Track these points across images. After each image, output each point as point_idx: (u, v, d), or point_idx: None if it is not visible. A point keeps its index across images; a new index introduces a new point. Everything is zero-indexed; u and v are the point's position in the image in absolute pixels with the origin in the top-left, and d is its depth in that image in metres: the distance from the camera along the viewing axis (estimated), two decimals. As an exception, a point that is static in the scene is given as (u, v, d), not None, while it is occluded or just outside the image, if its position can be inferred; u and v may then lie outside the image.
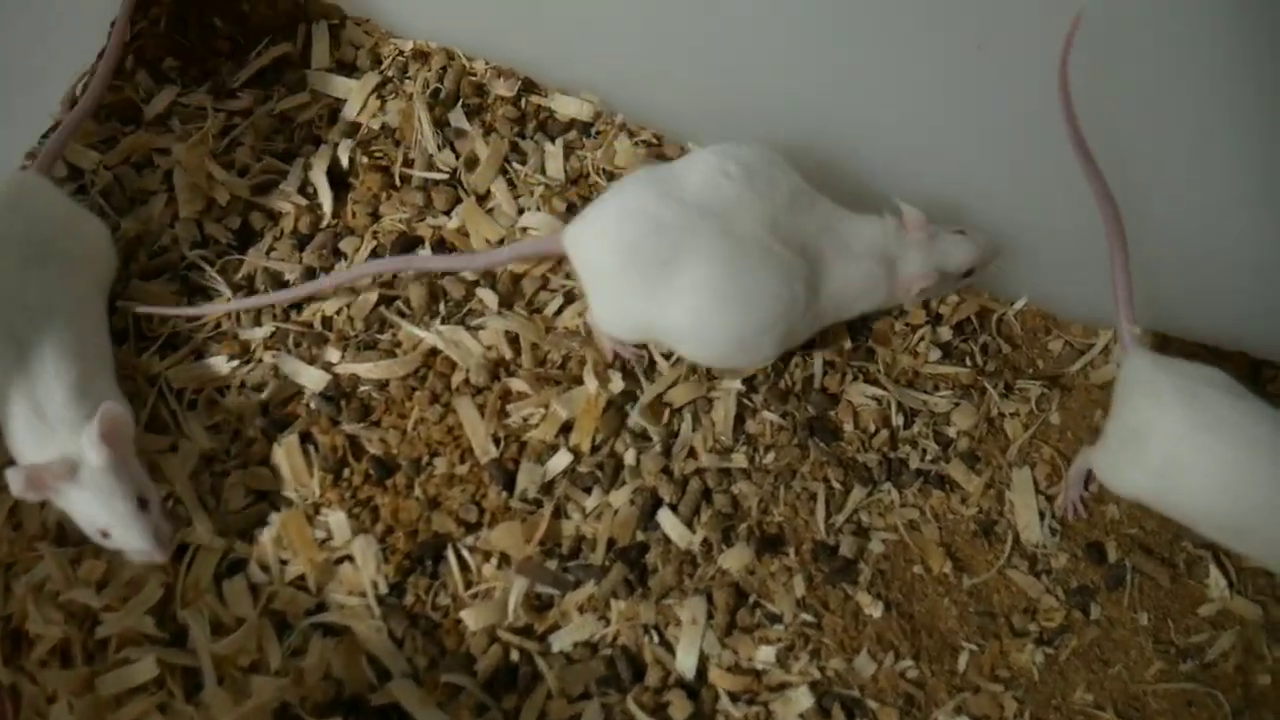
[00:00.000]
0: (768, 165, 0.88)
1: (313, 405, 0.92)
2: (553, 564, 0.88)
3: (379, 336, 0.96)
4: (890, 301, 0.93)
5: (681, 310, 0.85)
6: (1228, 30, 0.80)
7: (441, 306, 0.97)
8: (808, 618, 0.87)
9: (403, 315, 0.96)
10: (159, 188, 1.02)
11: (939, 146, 0.98)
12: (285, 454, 0.90)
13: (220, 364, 0.93)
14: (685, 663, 0.85)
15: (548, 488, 0.90)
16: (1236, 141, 0.87)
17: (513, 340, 0.95)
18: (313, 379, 0.93)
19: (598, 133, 1.06)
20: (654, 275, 0.85)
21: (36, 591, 0.84)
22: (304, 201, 1.02)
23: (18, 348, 0.81)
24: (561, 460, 0.91)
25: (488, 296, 0.97)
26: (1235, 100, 0.85)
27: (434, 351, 0.95)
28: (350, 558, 0.87)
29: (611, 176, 1.04)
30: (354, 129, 1.06)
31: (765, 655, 0.86)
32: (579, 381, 0.94)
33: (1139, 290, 0.90)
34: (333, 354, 0.94)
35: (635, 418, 0.93)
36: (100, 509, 0.78)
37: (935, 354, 1.00)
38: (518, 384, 0.93)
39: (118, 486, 0.78)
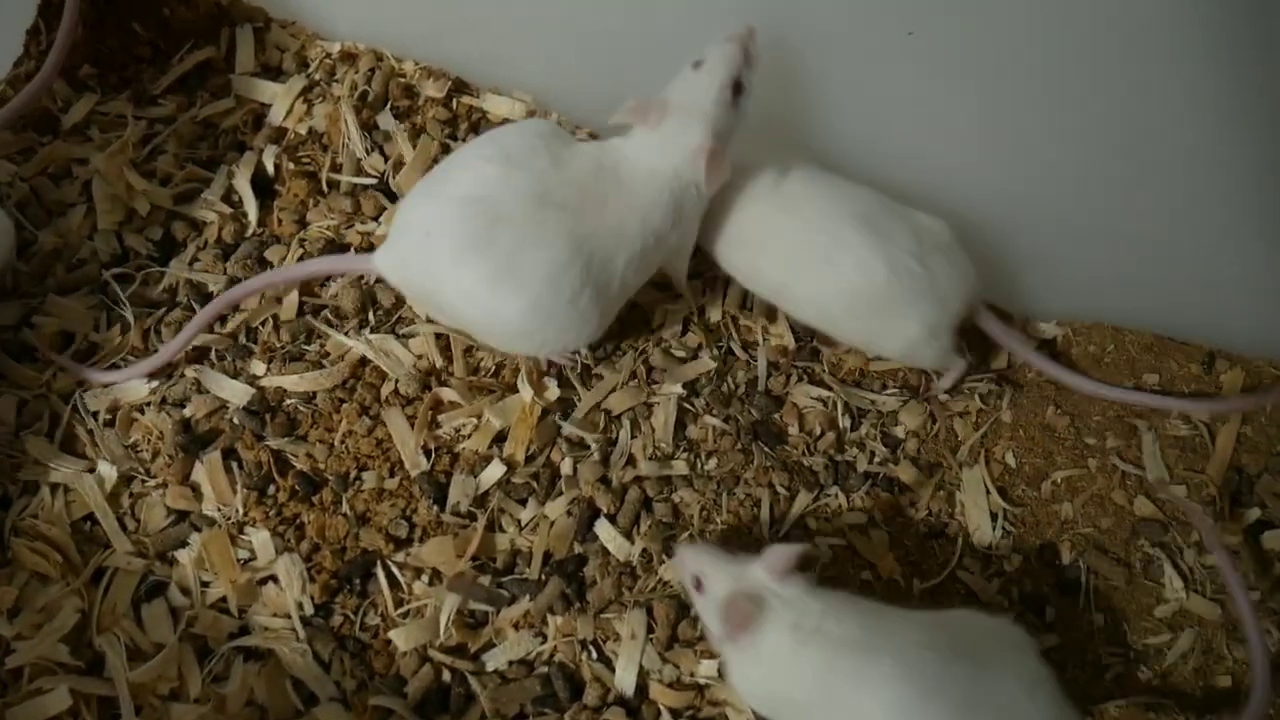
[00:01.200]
0: (525, 136, 0.86)
1: (236, 420, 0.90)
2: (486, 579, 0.86)
3: (306, 348, 0.94)
4: (695, 201, 0.87)
5: (473, 307, 0.85)
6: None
7: (371, 315, 0.95)
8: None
9: (330, 325, 0.94)
10: (78, 199, 1.00)
11: (893, 130, 0.97)
12: (208, 471, 0.88)
13: (139, 380, 0.91)
14: (625, 679, 0.83)
15: (481, 500, 0.88)
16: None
17: (444, 348, 0.93)
18: (236, 393, 0.91)
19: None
20: (438, 274, 0.84)
21: (-49, 625, 0.82)
22: (228, 210, 1.00)
23: None
24: (495, 471, 0.89)
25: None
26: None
27: (363, 361, 0.93)
28: (274, 578, 0.85)
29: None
30: (280, 134, 1.04)
31: (708, 669, 0.84)
32: (513, 390, 0.92)
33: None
34: (258, 366, 0.93)
35: (571, 426, 0.91)
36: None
37: (880, 349, 0.98)
38: (449, 393, 0.91)
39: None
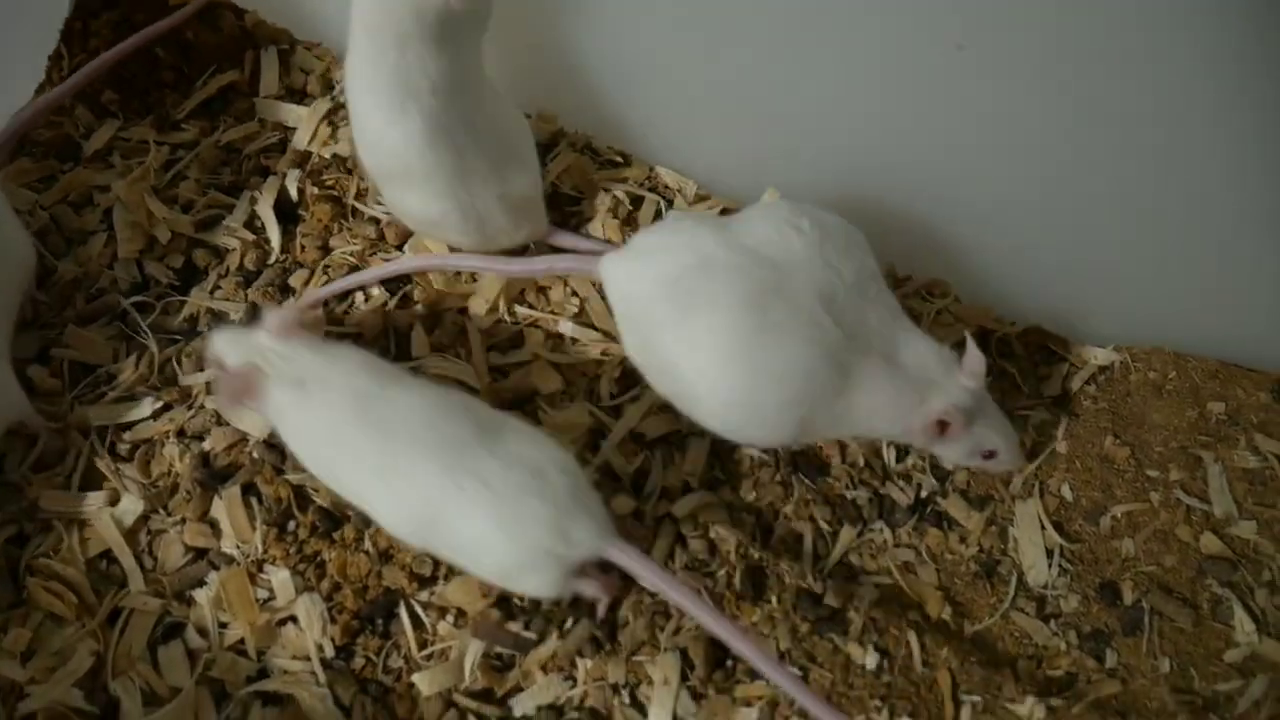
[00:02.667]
0: (845, 235, 0.82)
1: (256, 454, 0.88)
2: (516, 625, 0.83)
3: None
4: (905, 436, 0.83)
5: (696, 355, 0.79)
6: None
7: (392, 344, 0.93)
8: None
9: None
10: (98, 227, 1.00)
11: (929, 164, 0.95)
12: (226, 507, 0.86)
13: (158, 412, 0.90)
14: (658, 725, 0.80)
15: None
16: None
17: (468, 374, 0.91)
18: (256, 425, 0.89)
19: (555, 155, 1.02)
20: (681, 314, 0.79)
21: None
22: (251, 236, 0.99)
23: None
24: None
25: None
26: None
27: (387, 392, 0.91)
28: (294, 618, 0.83)
29: (572, 198, 1.01)
30: (304, 158, 1.03)
31: (746, 717, 0.81)
32: (539, 421, 0.90)
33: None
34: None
35: (603, 455, 0.89)
36: None
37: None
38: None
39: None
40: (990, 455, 0.83)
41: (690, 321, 0.78)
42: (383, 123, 0.84)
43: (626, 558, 0.75)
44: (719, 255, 0.79)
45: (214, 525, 0.86)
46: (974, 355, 0.80)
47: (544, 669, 0.82)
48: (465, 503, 0.73)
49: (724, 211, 1.01)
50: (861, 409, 0.80)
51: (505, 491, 0.72)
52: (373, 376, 0.78)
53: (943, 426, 0.80)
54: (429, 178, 0.87)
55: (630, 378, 0.91)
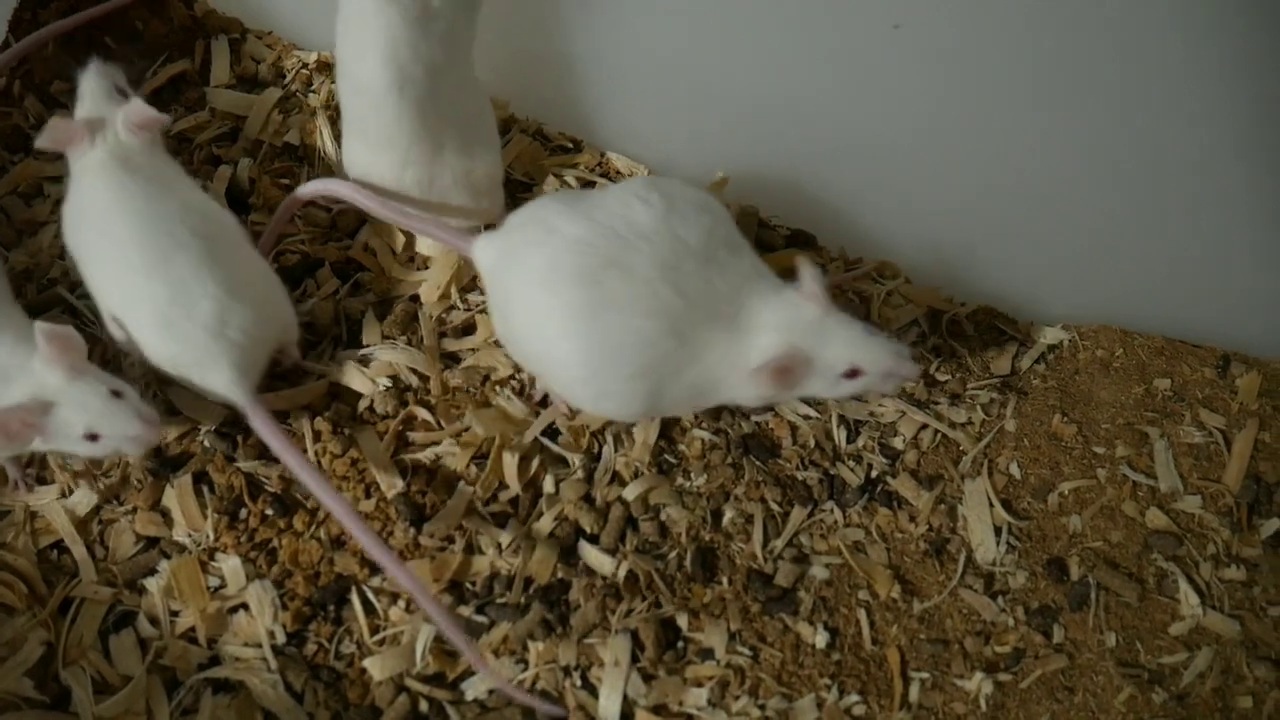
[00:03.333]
0: (694, 205, 0.80)
1: (208, 443, 0.89)
2: (469, 609, 0.83)
3: (277, 364, 0.92)
4: (769, 396, 0.81)
5: (541, 332, 0.79)
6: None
7: (344, 330, 0.93)
8: (744, 652, 0.83)
9: (309, 344, 0.93)
10: (49, 218, 0.99)
11: (879, 146, 0.95)
12: (178, 496, 0.87)
13: (108, 402, 0.90)
14: (609, 708, 0.81)
15: (459, 521, 0.86)
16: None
17: (419, 364, 0.92)
18: (208, 414, 0.89)
19: (507, 141, 1.03)
20: (526, 292, 0.79)
21: None
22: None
23: None
24: (479, 491, 0.87)
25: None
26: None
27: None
28: (245, 606, 0.83)
29: (523, 184, 1.01)
30: (256, 147, 1.03)
31: (696, 697, 0.81)
32: (490, 405, 0.90)
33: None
34: (230, 387, 0.91)
35: (553, 443, 0.89)
36: (76, 413, 0.76)
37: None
38: (424, 411, 0.90)
39: (87, 387, 0.77)
40: (854, 374, 0.77)
41: (534, 299, 0.78)
42: (381, 88, 0.85)
43: (258, 420, 0.80)
44: (564, 231, 0.78)
45: (165, 514, 0.86)
46: (807, 275, 0.77)
47: (495, 653, 0.83)
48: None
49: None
50: (711, 377, 0.79)
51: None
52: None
53: (784, 372, 0.76)
54: (407, 145, 0.87)
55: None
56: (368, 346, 0.93)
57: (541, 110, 1.04)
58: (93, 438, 0.77)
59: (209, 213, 0.85)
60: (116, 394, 0.77)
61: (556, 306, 0.77)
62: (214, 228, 0.83)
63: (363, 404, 0.90)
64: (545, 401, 0.91)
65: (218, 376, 0.81)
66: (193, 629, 0.83)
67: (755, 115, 0.98)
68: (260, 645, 0.82)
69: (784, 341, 0.76)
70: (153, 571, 0.84)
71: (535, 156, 1.03)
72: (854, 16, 0.87)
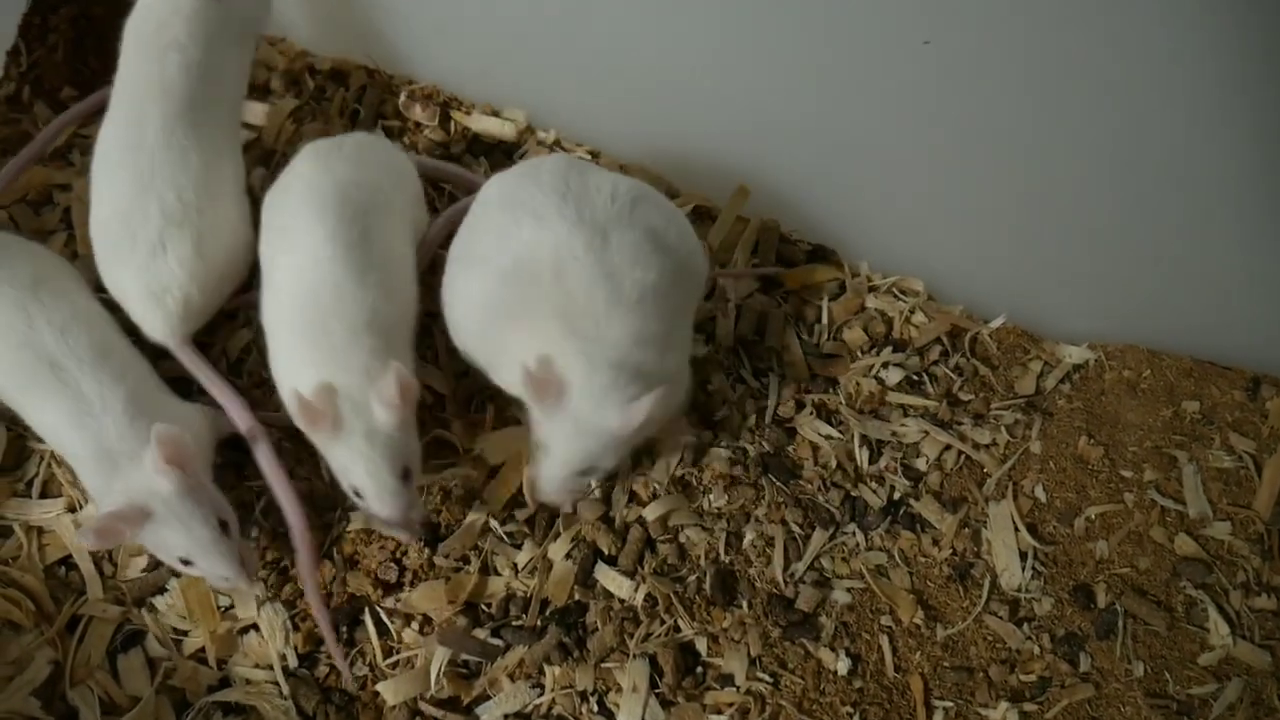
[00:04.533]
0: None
1: (219, 458, 0.87)
2: (483, 632, 0.82)
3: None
4: None
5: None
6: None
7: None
8: (764, 678, 0.82)
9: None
10: (57, 226, 0.98)
11: (902, 162, 0.94)
12: (188, 513, 0.85)
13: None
14: (626, 733, 0.80)
15: (475, 542, 0.85)
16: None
17: (437, 380, 0.90)
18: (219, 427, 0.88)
19: (524, 152, 1.02)
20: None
21: None
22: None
23: (58, 378, 0.77)
24: (493, 509, 0.86)
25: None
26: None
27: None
28: (256, 627, 0.82)
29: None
30: (269, 156, 1.02)
31: (716, 723, 0.80)
32: (510, 424, 0.89)
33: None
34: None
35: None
36: (179, 536, 0.73)
37: (897, 376, 0.94)
38: (439, 428, 0.88)
39: (195, 511, 0.74)
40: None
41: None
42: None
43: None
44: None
45: (175, 531, 0.85)
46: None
47: (511, 676, 0.81)
48: None
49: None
50: None
51: None
52: None
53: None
54: None
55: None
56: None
57: (560, 121, 1.03)
58: (184, 561, 0.75)
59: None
60: (224, 524, 0.75)
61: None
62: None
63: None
64: None
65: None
66: (202, 650, 0.82)
67: (777, 129, 0.97)
68: (271, 667, 0.81)
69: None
70: (162, 590, 0.83)
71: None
72: (884, 31, 0.85)
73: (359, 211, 0.81)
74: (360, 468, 0.75)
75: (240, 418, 0.82)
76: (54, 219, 0.99)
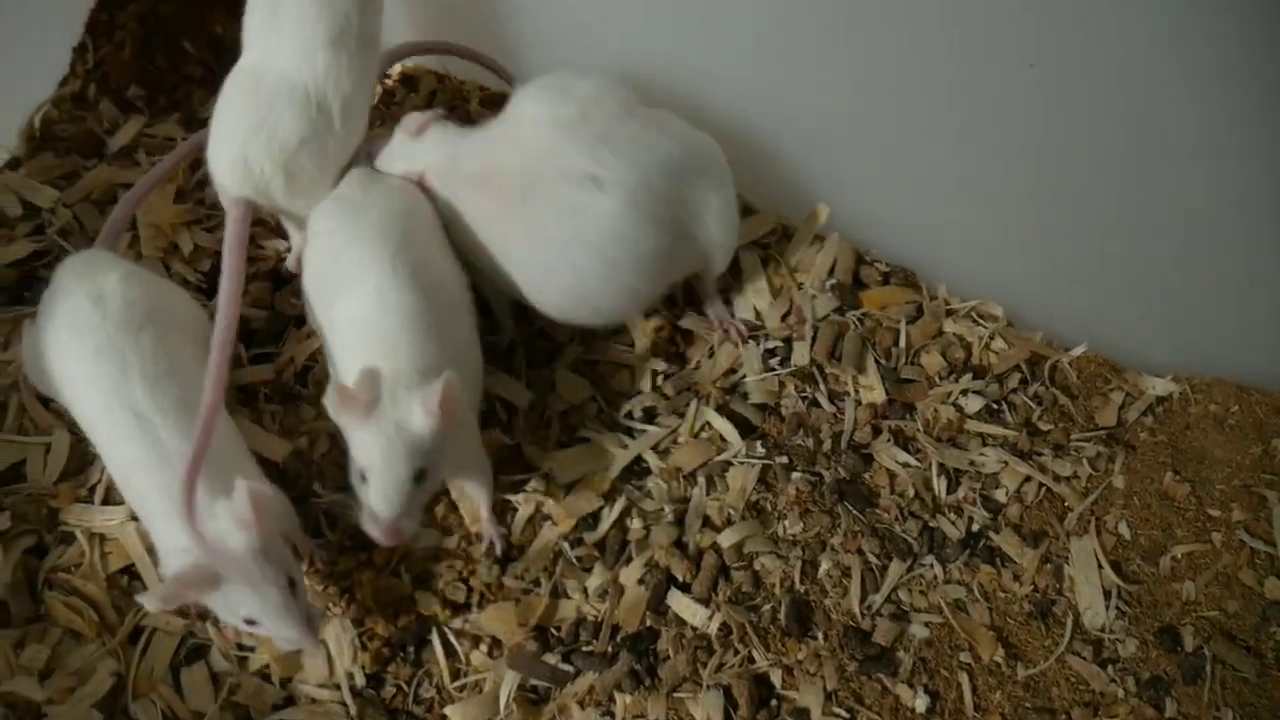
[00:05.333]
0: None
1: (283, 467, 0.86)
2: (553, 657, 0.81)
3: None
4: None
5: None
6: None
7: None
8: (840, 714, 0.80)
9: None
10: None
11: (983, 185, 0.92)
12: (253, 525, 0.84)
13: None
14: (700, 767, 0.78)
15: (546, 563, 0.84)
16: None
17: (509, 395, 0.89)
18: (279, 442, 0.87)
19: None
20: None
21: (-22, 678, 0.78)
22: (284, 244, 0.97)
23: (140, 426, 0.74)
24: (563, 530, 0.84)
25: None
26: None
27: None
28: (322, 644, 0.81)
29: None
30: (336, 161, 1.00)
31: (791, 759, 0.78)
32: (581, 442, 0.88)
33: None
34: (307, 412, 0.89)
35: (644, 484, 0.86)
36: (248, 598, 0.70)
37: (976, 404, 0.92)
38: (508, 440, 0.87)
39: (266, 571, 0.70)
40: None
41: None
42: None
43: None
44: None
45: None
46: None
47: (581, 704, 0.80)
48: None
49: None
50: None
51: None
52: None
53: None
54: None
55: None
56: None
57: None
58: (248, 622, 0.72)
59: None
60: (291, 583, 0.72)
61: None
62: None
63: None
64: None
65: None
66: (267, 666, 0.80)
67: (857, 148, 0.95)
68: (338, 687, 0.79)
69: None
70: (227, 601, 0.82)
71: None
72: (974, 53, 0.84)
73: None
74: (378, 452, 0.72)
75: (229, 300, 0.79)
76: (118, 219, 0.98)
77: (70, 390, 0.78)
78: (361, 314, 0.77)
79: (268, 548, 0.71)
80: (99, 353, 0.76)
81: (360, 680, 0.80)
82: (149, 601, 0.69)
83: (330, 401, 0.72)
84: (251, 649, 0.81)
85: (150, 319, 0.78)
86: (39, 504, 0.85)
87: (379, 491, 0.72)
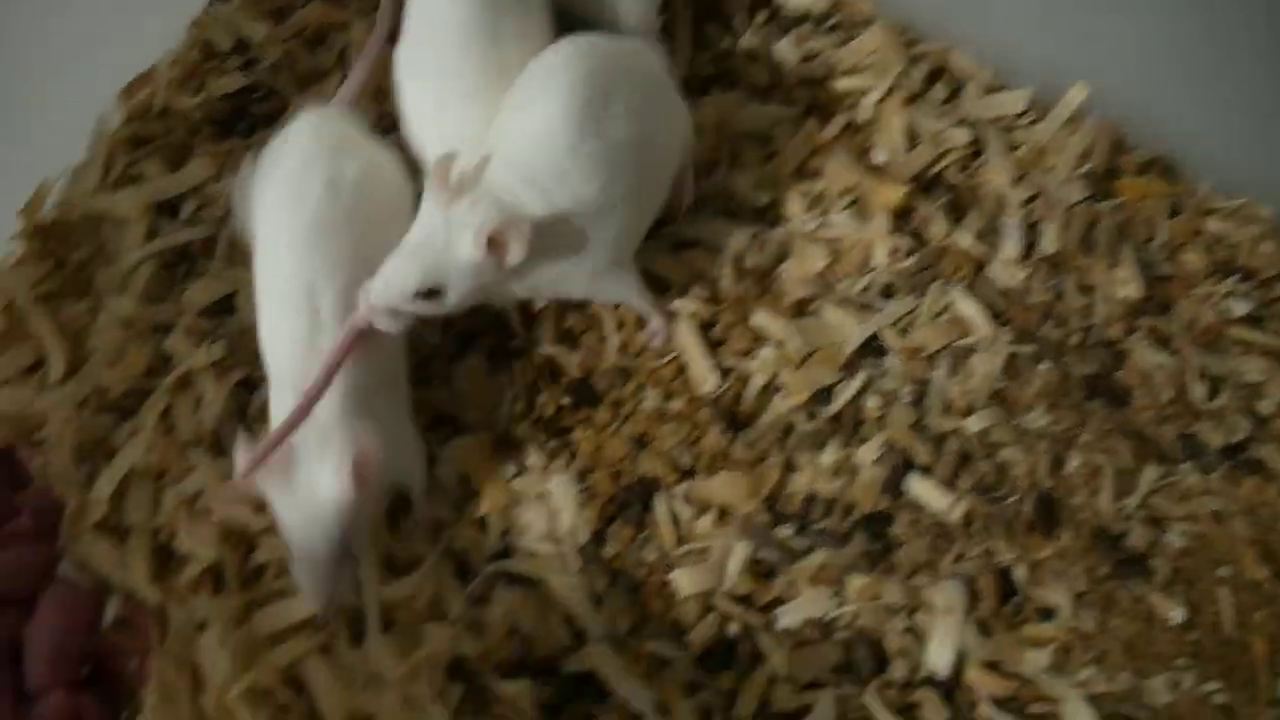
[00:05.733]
0: None
1: (502, 318, 0.83)
2: (787, 528, 0.76)
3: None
4: None
5: None
6: None
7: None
8: (1089, 617, 0.74)
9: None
10: (333, 67, 0.94)
11: (1254, 75, 0.84)
12: (468, 374, 0.81)
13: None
14: (939, 658, 0.73)
15: (777, 434, 0.79)
16: None
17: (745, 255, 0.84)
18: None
19: (835, 23, 0.94)
20: None
21: (188, 506, 0.77)
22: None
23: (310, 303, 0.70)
24: (796, 402, 0.79)
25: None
26: None
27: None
28: (543, 497, 0.77)
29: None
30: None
31: (1035, 660, 0.73)
32: (816, 315, 0.83)
33: None
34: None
35: (881, 363, 0.81)
36: (300, 535, 0.67)
37: (1242, 307, 0.85)
38: (746, 307, 0.82)
39: (332, 532, 0.67)
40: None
41: None
42: None
43: None
44: None
45: (455, 392, 0.81)
46: None
47: (812, 581, 0.75)
48: None
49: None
50: None
51: None
52: None
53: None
54: None
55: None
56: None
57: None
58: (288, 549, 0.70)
59: None
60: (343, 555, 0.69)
61: None
62: None
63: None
64: None
65: None
66: (485, 516, 0.77)
67: (1121, 26, 0.87)
68: (558, 542, 0.76)
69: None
70: (444, 448, 0.79)
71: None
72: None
73: None
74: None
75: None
76: (329, 59, 0.94)
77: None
78: None
79: (350, 513, 0.67)
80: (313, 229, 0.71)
81: (583, 537, 0.76)
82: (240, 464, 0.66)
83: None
84: (469, 497, 0.78)
85: (370, 220, 0.73)
86: (250, 337, 0.82)
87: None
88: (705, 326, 0.82)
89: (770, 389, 0.80)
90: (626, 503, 0.77)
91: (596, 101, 0.70)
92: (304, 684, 0.73)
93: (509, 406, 0.80)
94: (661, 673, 0.73)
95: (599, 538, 0.77)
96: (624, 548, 0.76)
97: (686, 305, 0.82)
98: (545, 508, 0.77)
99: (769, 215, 0.87)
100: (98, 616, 0.76)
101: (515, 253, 0.67)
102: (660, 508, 0.77)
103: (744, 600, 0.75)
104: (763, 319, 0.82)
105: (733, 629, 0.74)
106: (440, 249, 0.67)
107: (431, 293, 0.68)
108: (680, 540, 0.77)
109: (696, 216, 0.85)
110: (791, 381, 0.80)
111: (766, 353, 0.81)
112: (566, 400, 0.80)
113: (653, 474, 0.78)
